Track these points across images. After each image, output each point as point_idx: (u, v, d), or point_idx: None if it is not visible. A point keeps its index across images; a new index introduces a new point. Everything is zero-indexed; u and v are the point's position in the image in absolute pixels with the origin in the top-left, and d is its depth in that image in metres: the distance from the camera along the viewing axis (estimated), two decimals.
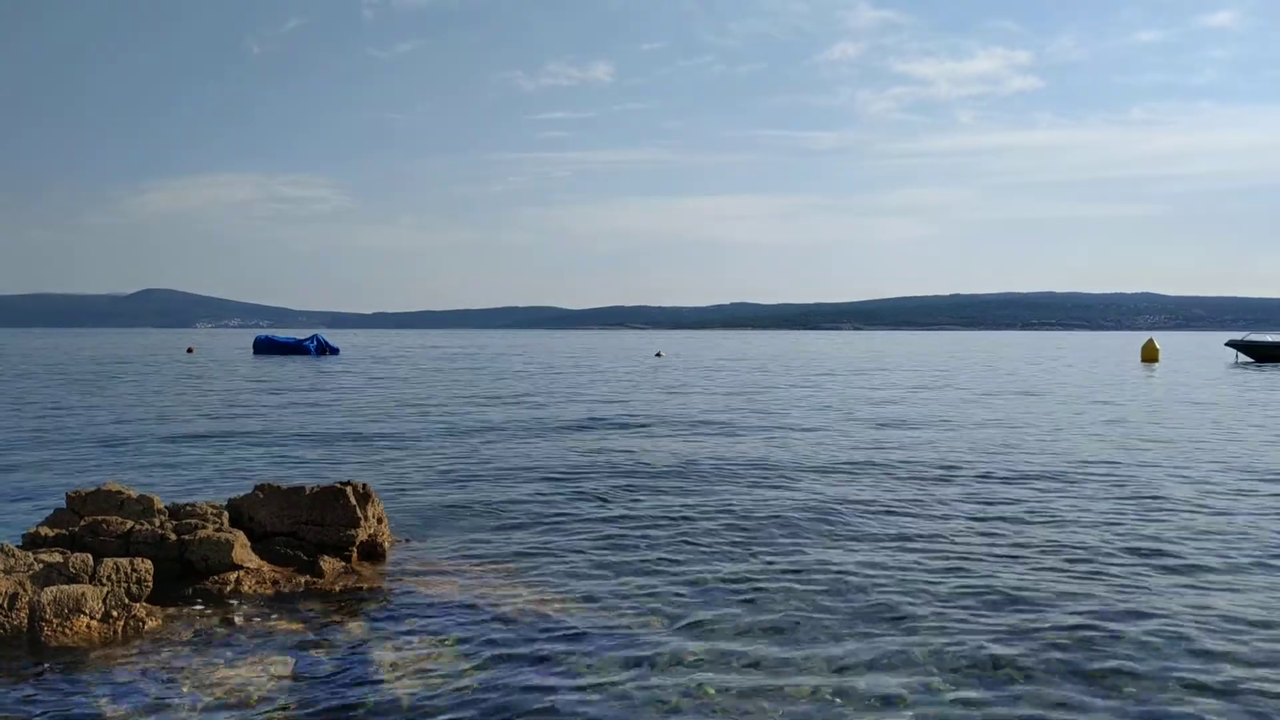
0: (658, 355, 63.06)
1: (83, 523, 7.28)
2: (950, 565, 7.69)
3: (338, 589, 7.03)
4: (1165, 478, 11.92)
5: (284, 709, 4.89)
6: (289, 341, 60.93)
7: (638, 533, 8.88)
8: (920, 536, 8.72)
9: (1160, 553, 8.06)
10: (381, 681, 5.26)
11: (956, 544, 8.43)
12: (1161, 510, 9.90)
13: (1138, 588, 7.02)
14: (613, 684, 5.18)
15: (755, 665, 5.48)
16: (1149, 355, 51.68)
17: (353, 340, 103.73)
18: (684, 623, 6.22)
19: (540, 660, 5.56)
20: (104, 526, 7.18)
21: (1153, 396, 25.96)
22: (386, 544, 8.10)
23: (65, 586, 6.10)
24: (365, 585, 7.13)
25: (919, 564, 7.72)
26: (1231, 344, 52.93)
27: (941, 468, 12.81)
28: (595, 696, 5.02)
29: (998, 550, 8.20)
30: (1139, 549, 8.20)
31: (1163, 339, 58.08)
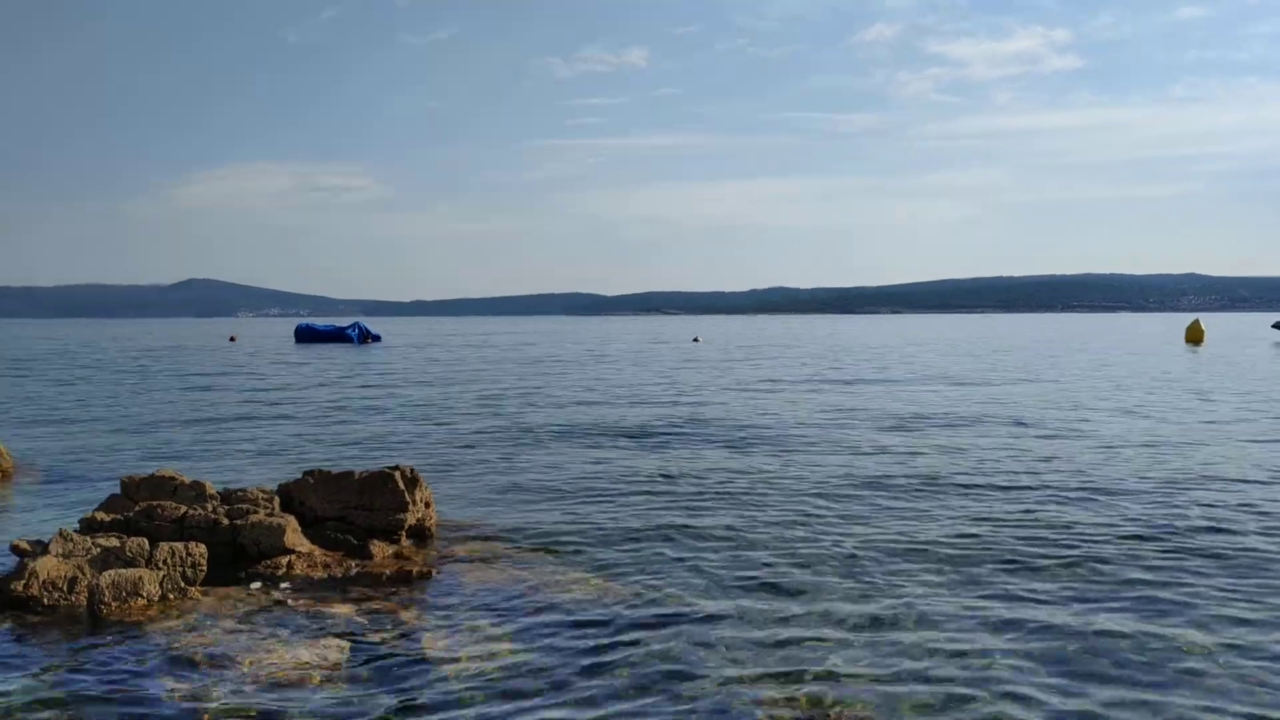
0: (695, 341, 62.95)
1: (137, 508, 7.41)
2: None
3: (387, 573, 7.09)
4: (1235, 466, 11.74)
5: (339, 689, 4.94)
6: (330, 329, 61.47)
7: (694, 521, 8.77)
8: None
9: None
10: (433, 664, 5.30)
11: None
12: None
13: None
14: (663, 673, 5.17)
15: (811, 659, 5.46)
16: (1194, 336, 50.75)
17: (392, 328, 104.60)
18: (739, 615, 6.17)
19: (590, 646, 5.56)
20: (158, 511, 7.30)
21: (1201, 384, 25.53)
22: (434, 528, 8.16)
23: (123, 570, 6.22)
24: (414, 569, 7.18)
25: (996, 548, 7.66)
26: (1278, 325, 51.97)
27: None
28: (645, 684, 5.01)
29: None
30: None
31: (1207, 320, 56.86)
